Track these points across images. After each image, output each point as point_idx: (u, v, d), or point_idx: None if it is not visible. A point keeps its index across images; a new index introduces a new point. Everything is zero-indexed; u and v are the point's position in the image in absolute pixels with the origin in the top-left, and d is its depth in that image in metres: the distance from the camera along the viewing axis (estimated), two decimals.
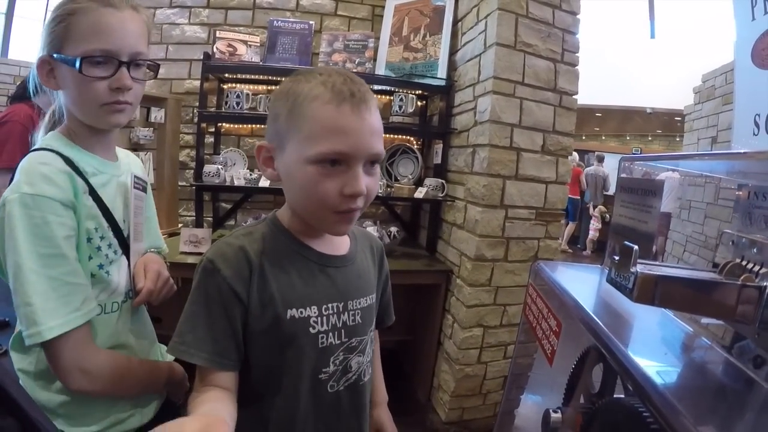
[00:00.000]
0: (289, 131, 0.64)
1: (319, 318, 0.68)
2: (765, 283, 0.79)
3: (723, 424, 0.69)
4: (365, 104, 0.62)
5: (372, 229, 2.15)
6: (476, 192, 1.98)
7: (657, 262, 0.93)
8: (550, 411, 1.01)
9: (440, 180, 2.22)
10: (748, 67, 1.67)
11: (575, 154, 7.50)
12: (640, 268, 0.85)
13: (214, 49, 2.50)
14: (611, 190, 7.41)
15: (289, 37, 2.60)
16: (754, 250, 0.94)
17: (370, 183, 0.65)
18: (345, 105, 0.61)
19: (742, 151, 0.86)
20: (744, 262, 0.89)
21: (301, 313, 0.67)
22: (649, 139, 12.32)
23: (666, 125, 9.90)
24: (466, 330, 2.03)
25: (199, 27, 2.68)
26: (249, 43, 2.58)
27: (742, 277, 0.84)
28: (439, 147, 2.28)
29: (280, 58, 2.54)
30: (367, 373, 0.76)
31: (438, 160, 2.29)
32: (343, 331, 0.71)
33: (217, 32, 2.54)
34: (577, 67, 2.12)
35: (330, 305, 0.70)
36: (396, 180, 2.33)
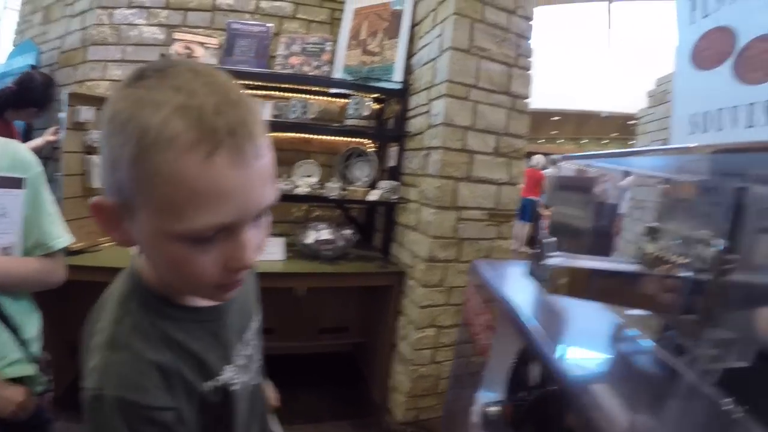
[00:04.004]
0: (138, 193, 0.44)
1: (234, 371, 0.62)
2: (685, 274, 0.82)
3: (641, 410, 0.71)
4: (250, 141, 0.44)
5: (326, 233, 2.15)
6: (429, 194, 2.00)
7: (580, 255, 0.95)
8: (487, 406, 1.03)
9: (394, 182, 2.23)
10: (687, 69, 1.74)
11: (541, 157, 7.70)
12: (557, 260, 0.87)
13: (171, 51, 2.46)
14: None
15: (248, 39, 2.58)
16: (675, 242, 0.98)
17: (259, 240, 0.50)
18: (221, 155, 0.41)
19: (663, 147, 0.90)
20: (665, 254, 0.92)
21: (220, 381, 0.59)
22: (605, 142, 12.65)
23: (621, 128, 10.23)
24: (420, 330, 2.04)
25: (157, 28, 2.64)
26: (206, 45, 2.56)
27: (663, 268, 0.87)
28: (394, 150, 2.29)
29: (237, 61, 2.52)
30: (259, 377, 0.73)
31: (393, 162, 2.30)
32: (248, 364, 0.67)
33: (174, 34, 2.51)
34: (530, 72, 2.17)
35: (236, 350, 0.64)
36: (351, 183, 2.33)
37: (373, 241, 2.60)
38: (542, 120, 11.24)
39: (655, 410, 0.71)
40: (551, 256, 0.87)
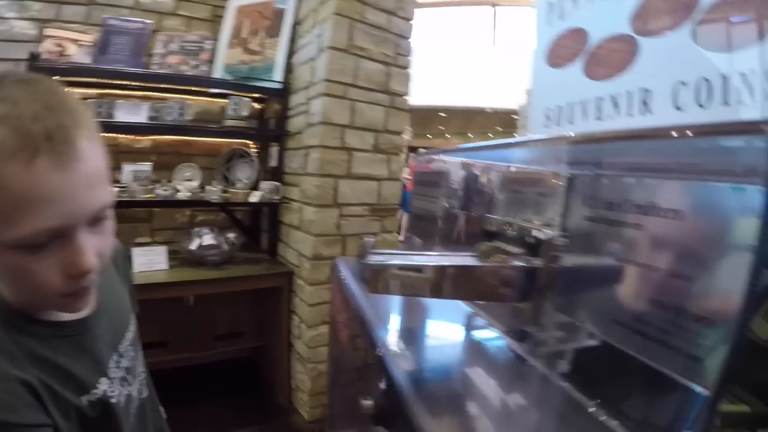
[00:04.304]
0: None
1: (110, 384, 0.60)
2: (519, 263, 0.86)
3: (475, 400, 0.74)
4: (69, 145, 0.45)
5: (209, 238, 2.10)
6: (310, 192, 2.01)
7: (409, 251, 0.98)
8: (362, 400, 1.06)
9: (276, 183, 2.22)
10: (543, 67, 1.88)
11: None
12: (378, 258, 0.88)
13: (42, 49, 2.28)
14: None
15: (124, 36, 2.44)
16: (510, 232, 1.04)
17: (100, 245, 0.51)
18: (41, 159, 0.43)
19: (509, 141, 0.93)
20: (500, 244, 0.97)
21: (95, 394, 0.57)
22: (490, 136, 13.25)
23: (505, 123, 10.77)
24: (313, 328, 2.06)
25: (28, 23, 2.42)
26: (80, 42, 2.39)
27: (495, 258, 0.91)
28: (275, 150, 2.28)
29: (112, 60, 2.37)
30: (145, 389, 0.72)
31: (274, 162, 2.29)
32: (127, 376, 0.65)
33: (46, 30, 2.32)
34: (409, 70, 2.24)
35: (110, 363, 0.62)
36: (233, 185, 2.29)
37: (261, 243, 2.58)
38: (430, 116, 11.70)
39: (493, 399, 0.74)
40: (372, 255, 0.88)
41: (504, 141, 1.03)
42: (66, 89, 0.49)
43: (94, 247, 0.49)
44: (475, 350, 0.93)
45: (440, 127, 13.45)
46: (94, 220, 0.50)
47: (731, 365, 0.41)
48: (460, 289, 0.85)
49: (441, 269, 0.84)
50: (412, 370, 0.82)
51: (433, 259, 0.88)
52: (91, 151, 0.48)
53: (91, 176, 0.47)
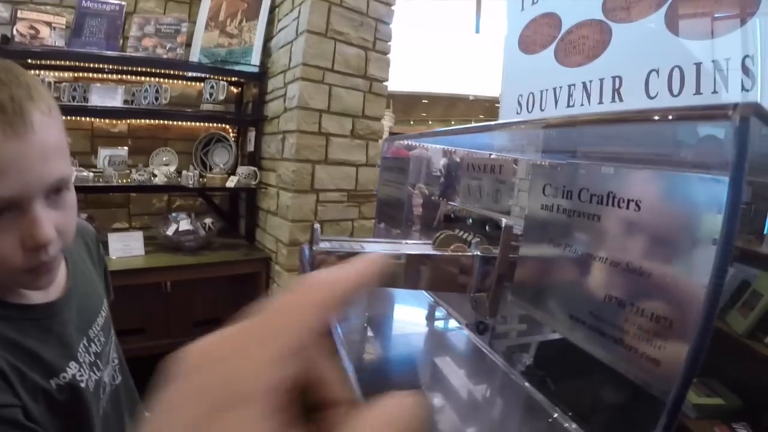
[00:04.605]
0: None
1: (79, 368, 0.59)
2: (474, 252, 0.86)
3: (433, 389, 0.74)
4: (21, 116, 0.46)
5: (186, 223, 2.08)
6: (286, 178, 2.00)
7: (361, 239, 0.98)
8: None
9: (252, 168, 2.21)
10: (515, 54, 1.88)
11: None
12: (325, 245, 0.88)
13: (14, 32, 2.23)
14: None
15: (98, 18, 2.39)
16: (469, 220, 1.04)
17: (60, 220, 0.51)
18: None
19: (473, 126, 0.92)
20: (458, 233, 0.97)
21: (64, 378, 0.56)
22: (472, 123, 13.32)
23: (487, 110, 10.83)
24: None
25: (1, 5, 2.36)
26: (53, 24, 2.34)
27: (452, 247, 0.91)
28: (252, 134, 2.27)
29: (86, 42, 2.33)
30: (118, 376, 0.72)
31: (251, 147, 2.28)
32: (98, 361, 0.64)
33: (19, 12, 2.27)
34: (388, 55, 2.22)
35: (80, 347, 0.61)
36: (210, 170, 2.28)
37: (239, 229, 2.58)
38: (413, 102, 11.69)
39: (444, 392, 0.74)
40: (322, 241, 0.87)
41: (466, 126, 1.03)
42: (24, 69, 0.50)
43: (53, 220, 0.50)
44: (432, 341, 0.93)
45: (423, 113, 13.48)
46: (52, 193, 0.50)
47: (692, 365, 0.39)
48: (411, 279, 0.84)
49: (390, 258, 0.83)
50: (364, 361, 0.82)
51: (384, 247, 0.87)
52: (46, 123, 0.48)
53: (45, 148, 0.48)
